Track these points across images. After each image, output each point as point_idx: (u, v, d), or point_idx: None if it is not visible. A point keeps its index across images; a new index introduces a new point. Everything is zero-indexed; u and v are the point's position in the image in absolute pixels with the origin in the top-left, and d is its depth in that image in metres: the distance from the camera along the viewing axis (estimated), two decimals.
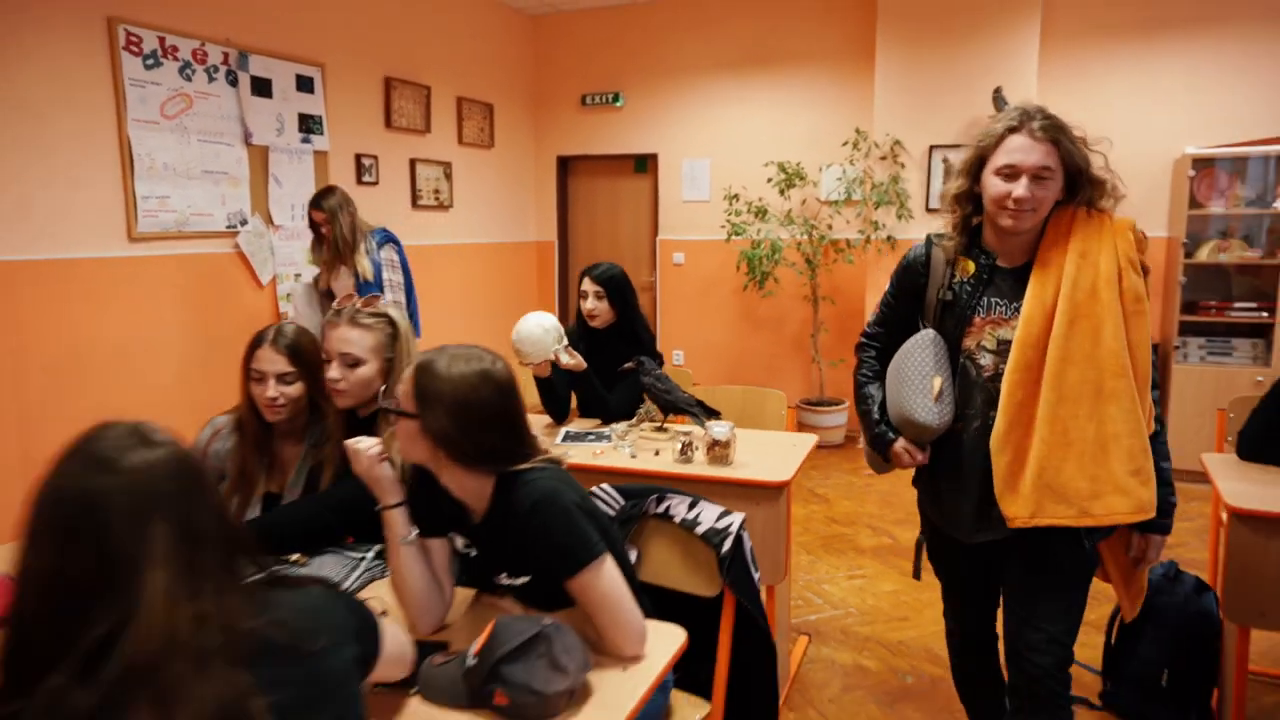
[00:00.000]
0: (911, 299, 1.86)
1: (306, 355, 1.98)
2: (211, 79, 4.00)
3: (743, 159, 6.00)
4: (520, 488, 1.44)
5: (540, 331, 2.73)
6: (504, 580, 1.52)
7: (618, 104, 6.41)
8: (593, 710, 1.30)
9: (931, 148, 5.26)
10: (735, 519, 1.80)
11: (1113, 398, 1.60)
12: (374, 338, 1.96)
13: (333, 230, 3.86)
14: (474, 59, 5.89)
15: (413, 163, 5.35)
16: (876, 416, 1.89)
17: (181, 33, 3.84)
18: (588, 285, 3.07)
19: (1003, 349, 1.70)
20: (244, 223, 4.21)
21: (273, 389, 1.95)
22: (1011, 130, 1.66)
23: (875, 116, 5.38)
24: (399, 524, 1.52)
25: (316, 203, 3.91)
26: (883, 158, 5.37)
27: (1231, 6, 4.80)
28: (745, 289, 5.76)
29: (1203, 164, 4.73)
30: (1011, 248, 1.74)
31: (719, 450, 2.48)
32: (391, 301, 3.75)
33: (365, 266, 3.88)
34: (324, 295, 3.99)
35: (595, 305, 3.03)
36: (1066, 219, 1.69)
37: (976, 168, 1.71)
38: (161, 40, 3.75)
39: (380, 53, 5.04)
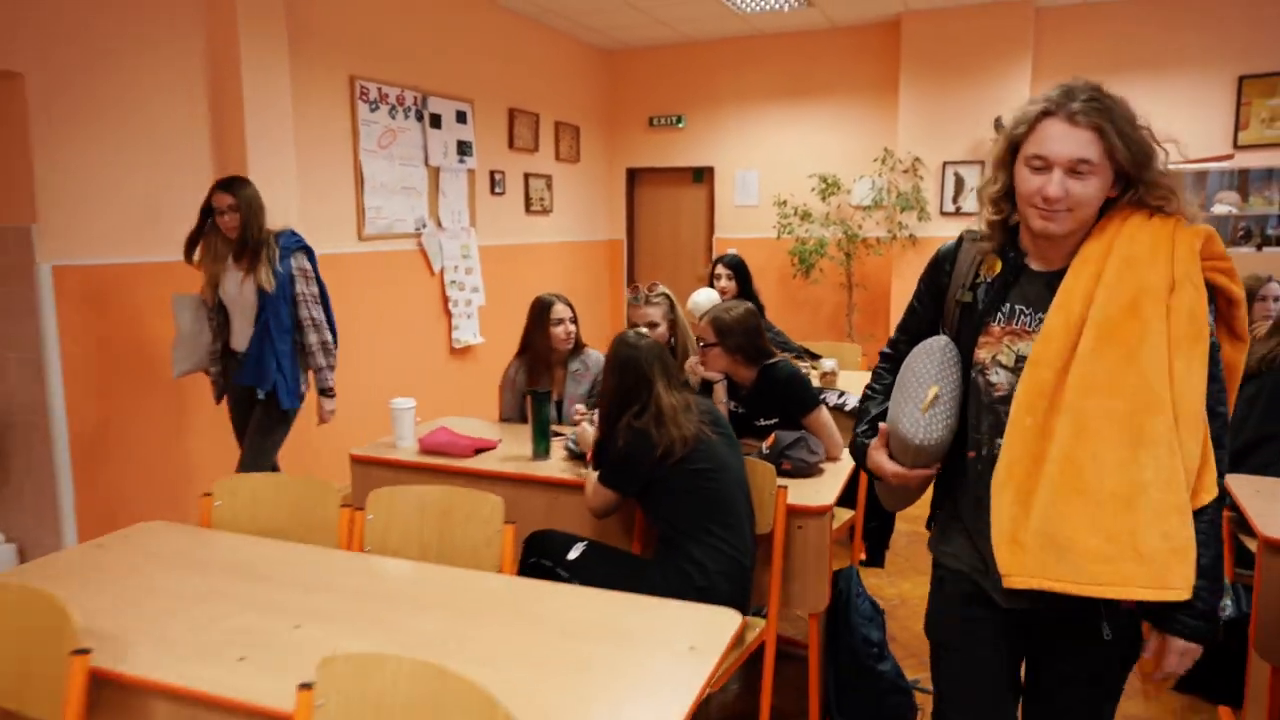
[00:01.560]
0: (935, 301, 1.59)
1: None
2: (406, 117, 5.23)
3: (787, 171, 7.28)
4: (775, 370, 2.71)
5: (706, 300, 4.00)
6: (761, 422, 2.79)
7: (680, 125, 7.67)
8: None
9: (945, 163, 6.56)
10: None
11: (1145, 439, 1.28)
12: (662, 310, 3.19)
13: (243, 223, 3.23)
14: (565, 89, 7.13)
15: (526, 176, 6.60)
16: (863, 427, 1.64)
17: (390, 83, 5.07)
18: (721, 270, 4.33)
19: (1020, 366, 1.40)
20: (424, 226, 5.44)
21: (569, 326, 3.21)
22: (1046, 114, 1.36)
23: (899, 137, 6.67)
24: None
25: (228, 186, 3.24)
26: (905, 171, 6.66)
27: (1178, 55, 6.12)
28: (794, 278, 7.05)
29: None
30: (1048, 249, 1.44)
31: (829, 378, 3.75)
32: (307, 319, 3.32)
33: (266, 275, 3.22)
34: (214, 309, 3.36)
35: (727, 285, 4.30)
36: (1119, 218, 1.38)
37: (1010, 157, 1.42)
38: (379, 90, 4.98)
39: (506, 89, 6.27)
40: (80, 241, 3.42)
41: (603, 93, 7.77)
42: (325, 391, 3.44)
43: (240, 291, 3.29)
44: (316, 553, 2.05)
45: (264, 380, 3.26)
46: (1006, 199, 1.46)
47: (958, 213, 6.63)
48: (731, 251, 4.32)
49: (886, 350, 1.71)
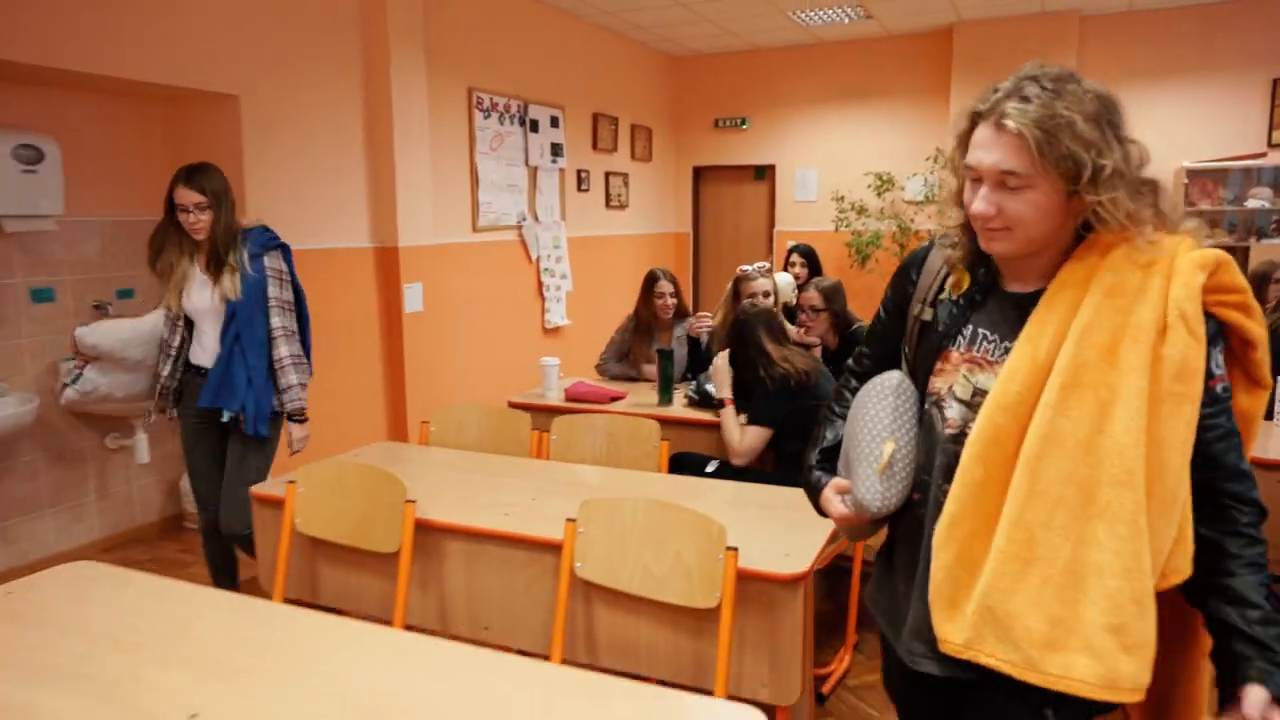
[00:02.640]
0: (898, 314, 1.41)
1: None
2: (511, 122, 5.92)
3: (844, 168, 7.86)
4: (857, 333, 3.34)
5: (784, 282, 4.63)
6: None
7: (744, 126, 8.28)
8: None
9: None
10: None
11: (1106, 514, 1.11)
12: (769, 283, 3.82)
13: (213, 223, 2.75)
14: (640, 94, 7.78)
15: (606, 174, 7.27)
16: (813, 461, 1.48)
17: (499, 93, 5.76)
18: (795, 257, 4.96)
19: (977, 401, 1.23)
20: (524, 219, 6.14)
21: (669, 299, 3.87)
22: (977, 116, 1.20)
23: (950, 136, 7.21)
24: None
25: (191, 178, 2.72)
26: None
27: (1215, 59, 6.59)
28: (850, 268, 7.64)
29: (1194, 174, 6.54)
30: (1019, 267, 1.24)
31: None
32: (279, 328, 2.85)
33: (229, 283, 2.76)
34: (174, 322, 2.90)
35: (800, 270, 4.92)
36: (1109, 238, 1.16)
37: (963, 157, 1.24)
38: (491, 99, 5.68)
39: (591, 95, 6.94)
40: (278, 230, 4.14)
41: (673, 97, 8.42)
42: (295, 416, 2.91)
43: (211, 300, 2.79)
44: (520, 461, 2.74)
45: (230, 400, 2.77)
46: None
47: None
48: (804, 244, 4.97)
49: (852, 365, 1.54)
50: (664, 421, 3.32)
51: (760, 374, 2.86)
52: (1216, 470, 1.17)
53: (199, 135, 4.02)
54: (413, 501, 2.16)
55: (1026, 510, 1.15)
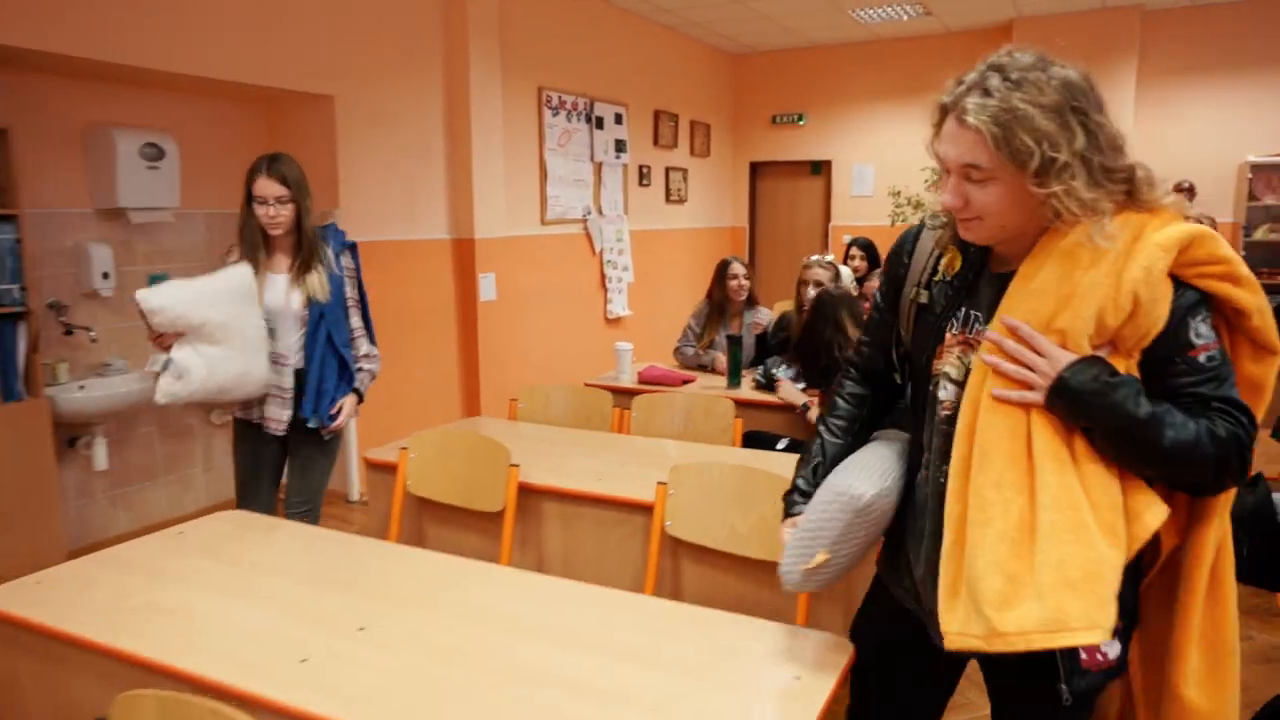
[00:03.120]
0: (893, 299, 1.43)
1: None
2: (578, 120, 6.16)
3: (901, 163, 7.94)
4: None
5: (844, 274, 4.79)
6: None
7: (800, 122, 8.41)
8: None
9: None
10: None
11: (1036, 451, 1.14)
12: (829, 274, 3.99)
13: (298, 216, 2.57)
14: (699, 91, 7.96)
15: (667, 169, 7.47)
16: (797, 481, 1.51)
17: (567, 91, 6.00)
18: (855, 250, 5.10)
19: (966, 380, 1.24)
20: (589, 213, 6.37)
21: (742, 281, 4.06)
22: (943, 109, 1.23)
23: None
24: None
25: (273, 167, 2.52)
26: None
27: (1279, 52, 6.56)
28: None
29: (1258, 168, 6.51)
30: (1006, 250, 1.26)
31: None
32: (358, 329, 2.76)
33: (319, 283, 2.61)
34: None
35: (860, 264, 5.07)
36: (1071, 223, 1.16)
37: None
38: (559, 98, 5.91)
39: (652, 93, 7.14)
40: (363, 222, 4.43)
41: (731, 93, 8.58)
42: (358, 393, 2.75)
43: (286, 302, 2.61)
44: (605, 435, 2.96)
45: (325, 406, 2.64)
46: None
47: None
48: (863, 238, 5.13)
49: (851, 356, 1.57)
50: (734, 403, 3.53)
51: (836, 354, 3.00)
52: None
53: (297, 133, 4.32)
54: (516, 465, 2.39)
55: (978, 474, 1.16)
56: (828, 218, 8.51)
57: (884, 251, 6.24)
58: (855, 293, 4.62)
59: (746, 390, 3.61)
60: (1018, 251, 1.23)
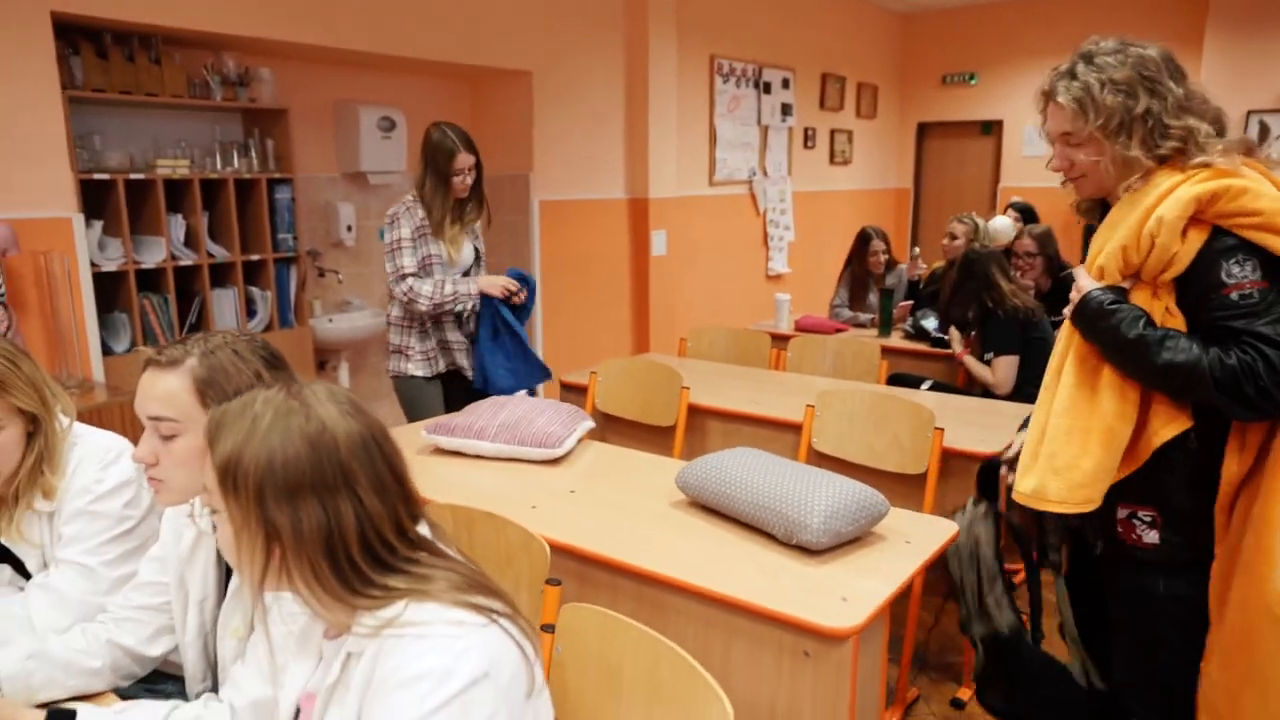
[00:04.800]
0: None
1: None
2: (746, 85, 6.48)
3: None
4: (1068, 278, 3.66)
5: (1004, 225, 4.91)
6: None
7: (972, 82, 8.31)
8: None
9: (1249, 112, 6.76)
10: None
11: (1054, 382, 1.54)
12: (966, 228, 4.18)
13: (480, 184, 2.94)
14: (867, 52, 8.05)
15: (832, 132, 7.66)
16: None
17: (736, 58, 6.33)
18: (1011, 212, 5.20)
19: None
20: (754, 174, 6.71)
21: (880, 256, 4.30)
22: (1045, 95, 1.54)
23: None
24: None
25: (469, 141, 2.91)
26: None
27: None
28: (1077, 224, 7.54)
29: None
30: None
31: None
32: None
33: (469, 250, 2.98)
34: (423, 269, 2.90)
35: (1016, 226, 5.15)
36: (1157, 174, 1.44)
37: None
38: (730, 65, 6.26)
39: (819, 56, 7.33)
40: (553, 184, 5.01)
41: (900, 54, 8.59)
42: None
43: (471, 255, 3.00)
44: (762, 371, 3.38)
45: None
46: None
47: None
48: (1021, 200, 5.20)
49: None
50: (884, 350, 3.84)
51: (991, 306, 3.24)
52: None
53: (500, 105, 4.93)
54: (687, 388, 2.85)
55: (1046, 380, 1.55)
56: (996, 179, 8.39)
57: (1051, 215, 6.23)
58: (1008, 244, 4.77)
59: (896, 339, 3.90)
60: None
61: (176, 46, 3.57)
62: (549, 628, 1.32)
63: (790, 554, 1.72)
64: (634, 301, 5.68)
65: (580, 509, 1.96)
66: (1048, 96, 1.54)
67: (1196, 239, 1.39)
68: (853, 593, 1.56)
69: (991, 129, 8.38)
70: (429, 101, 4.82)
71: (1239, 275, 1.38)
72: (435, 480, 2.13)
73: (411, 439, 2.43)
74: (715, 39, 6.12)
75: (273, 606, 1.07)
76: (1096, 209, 1.62)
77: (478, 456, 2.28)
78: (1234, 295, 1.38)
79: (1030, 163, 8.12)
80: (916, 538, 1.81)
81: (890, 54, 8.45)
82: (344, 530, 0.92)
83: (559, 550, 1.76)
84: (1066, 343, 1.53)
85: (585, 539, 1.78)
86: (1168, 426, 1.44)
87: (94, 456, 1.40)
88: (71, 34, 3.21)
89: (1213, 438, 1.44)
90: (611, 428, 3.15)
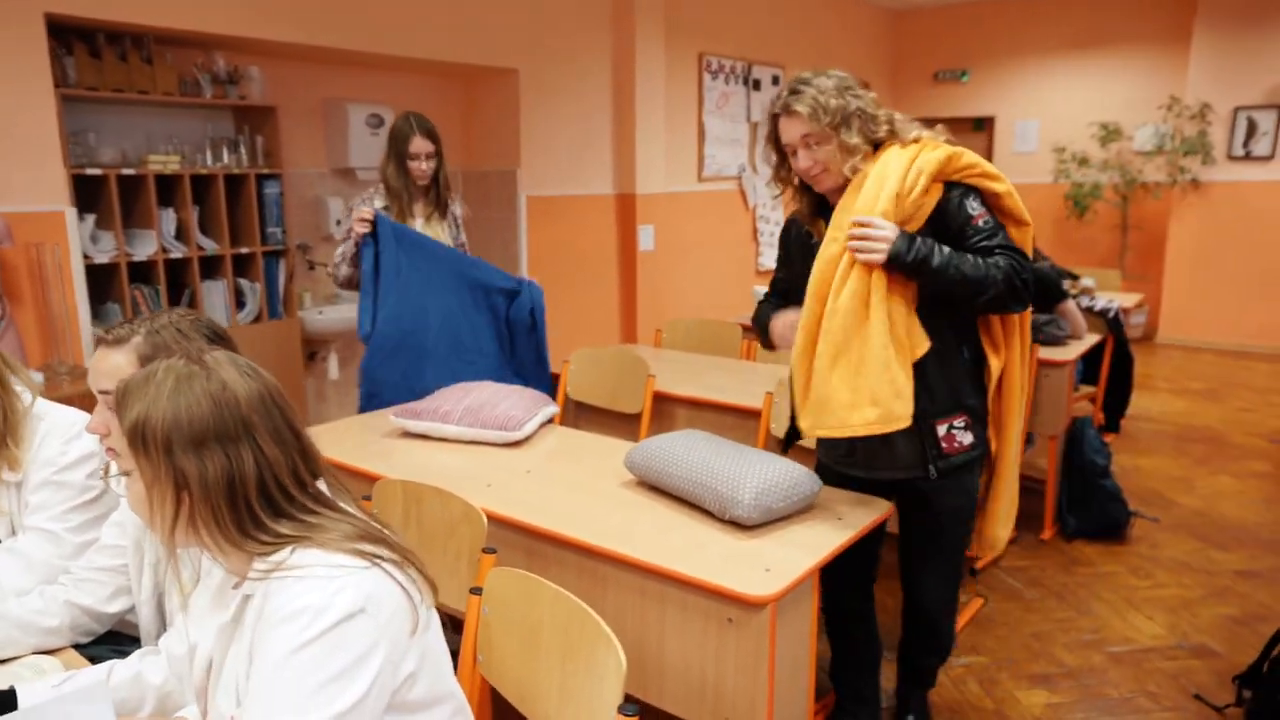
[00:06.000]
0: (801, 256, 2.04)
1: None
2: (735, 83, 6.57)
3: (1067, 119, 7.79)
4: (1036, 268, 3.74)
5: None
6: None
7: (964, 79, 8.38)
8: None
9: (1237, 108, 6.81)
10: None
11: (871, 319, 1.80)
12: None
13: (438, 171, 3.05)
14: (858, 49, 8.12)
15: None
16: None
17: (725, 56, 6.42)
18: None
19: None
20: (743, 170, 6.79)
21: None
22: (774, 116, 1.88)
23: (1189, 83, 6.99)
24: None
25: (427, 128, 3.00)
26: (1192, 117, 6.98)
27: None
28: (1067, 219, 7.63)
29: None
30: (836, 195, 1.90)
31: (1087, 290, 4.61)
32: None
33: (443, 231, 3.12)
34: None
35: None
36: (881, 153, 1.85)
37: (778, 148, 1.93)
38: (718, 62, 6.35)
39: (810, 53, 7.40)
40: (541, 180, 5.11)
41: (892, 51, 8.65)
42: None
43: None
44: (732, 361, 3.47)
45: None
46: (788, 174, 1.98)
47: (1247, 157, 6.86)
48: None
49: (769, 290, 2.36)
50: None
51: None
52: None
53: (488, 102, 5.03)
54: (653, 376, 2.95)
55: (829, 322, 1.83)
56: None
57: (1042, 212, 6.29)
58: None
59: None
60: (837, 192, 1.92)
61: (168, 46, 3.68)
62: (477, 590, 1.42)
63: (724, 529, 1.82)
64: (622, 296, 5.78)
65: (533, 488, 2.06)
66: (778, 116, 1.89)
67: (935, 193, 1.85)
68: (777, 563, 1.66)
69: (984, 125, 8.44)
70: (418, 99, 4.92)
71: (978, 208, 1.85)
72: (400, 461, 2.24)
73: (380, 423, 2.54)
74: (704, 37, 6.21)
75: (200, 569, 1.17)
76: (815, 214, 2.02)
77: (443, 439, 2.39)
78: (980, 223, 1.84)
79: (1020, 159, 8.19)
80: (851, 515, 1.90)
81: (882, 51, 8.52)
82: (244, 476, 1.02)
83: (510, 525, 1.87)
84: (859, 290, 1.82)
85: (534, 515, 1.88)
86: (923, 345, 1.86)
87: (59, 431, 1.52)
88: (65, 34, 3.32)
89: (976, 346, 1.97)
90: (583, 415, 3.25)
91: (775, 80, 6.95)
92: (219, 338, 1.36)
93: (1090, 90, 7.69)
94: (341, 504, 1.11)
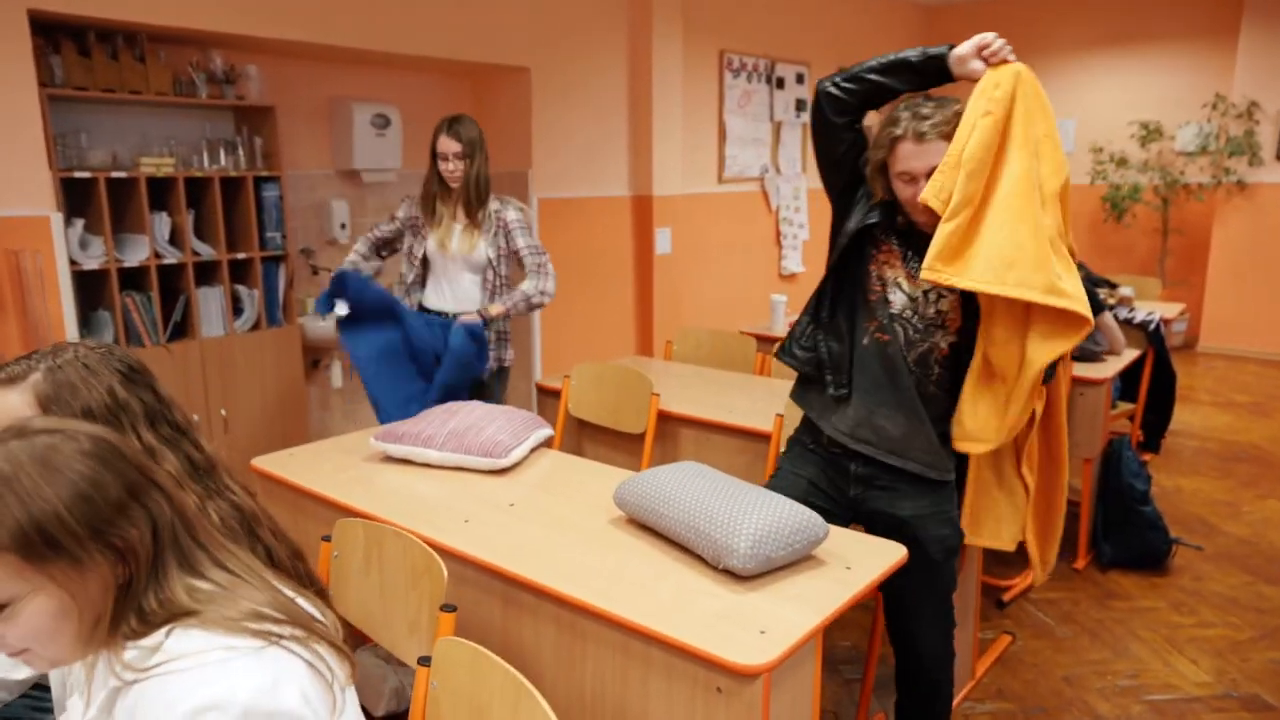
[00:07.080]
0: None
1: None
2: (757, 81, 6.36)
3: (1105, 118, 7.47)
4: None
5: None
6: None
7: None
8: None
9: None
10: None
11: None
12: None
13: (467, 172, 2.96)
14: (886, 45, 7.81)
15: None
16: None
17: (747, 53, 6.21)
18: None
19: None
20: (766, 171, 6.58)
21: None
22: (896, 140, 1.84)
23: (1235, 81, 6.66)
24: None
25: (453, 128, 2.95)
26: (1238, 116, 6.65)
27: None
28: (1105, 222, 7.32)
29: None
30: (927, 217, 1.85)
31: (1125, 299, 4.35)
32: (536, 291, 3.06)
33: (480, 248, 3.03)
34: (420, 263, 3.15)
35: None
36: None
37: (882, 169, 1.90)
38: (740, 60, 6.14)
39: (836, 50, 7.16)
40: (554, 181, 4.94)
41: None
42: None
43: (464, 246, 3.07)
44: (746, 377, 3.28)
45: (483, 355, 3.05)
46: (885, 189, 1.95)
47: None
48: None
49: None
50: None
51: None
52: None
53: (498, 101, 4.87)
54: (657, 394, 2.77)
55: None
56: None
57: (1077, 214, 6.00)
58: None
59: None
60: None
61: (162, 44, 3.56)
62: (425, 660, 1.26)
63: (718, 579, 1.64)
64: (638, 301, 5.60)
65: (514, 525, 1.89)
66: (909, 140, 1.87)
67: None
68: (774, 624, 1.47)
69: None
70: (425, 98, 4.78)
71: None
72: (375, 490, 2.08)
73: (360, 446, 2.38)
74: (725, 33, 6.01)
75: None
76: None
77: (425, 465, 2.23)
78: None
79: None
80: (859, 563, 1.71)
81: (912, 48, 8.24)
82: (167, 520, 0.91)
83: (485, 570, 1.70)
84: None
85: (512, 558, 1.71)
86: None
87: None
88: (54, 32, 3.21)
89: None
90: (585, 434, 3.08)
91: (800, 78, 6.73)
92: (134, 374, 1.21)
93: (1130, 88, 7.37)
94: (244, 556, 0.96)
